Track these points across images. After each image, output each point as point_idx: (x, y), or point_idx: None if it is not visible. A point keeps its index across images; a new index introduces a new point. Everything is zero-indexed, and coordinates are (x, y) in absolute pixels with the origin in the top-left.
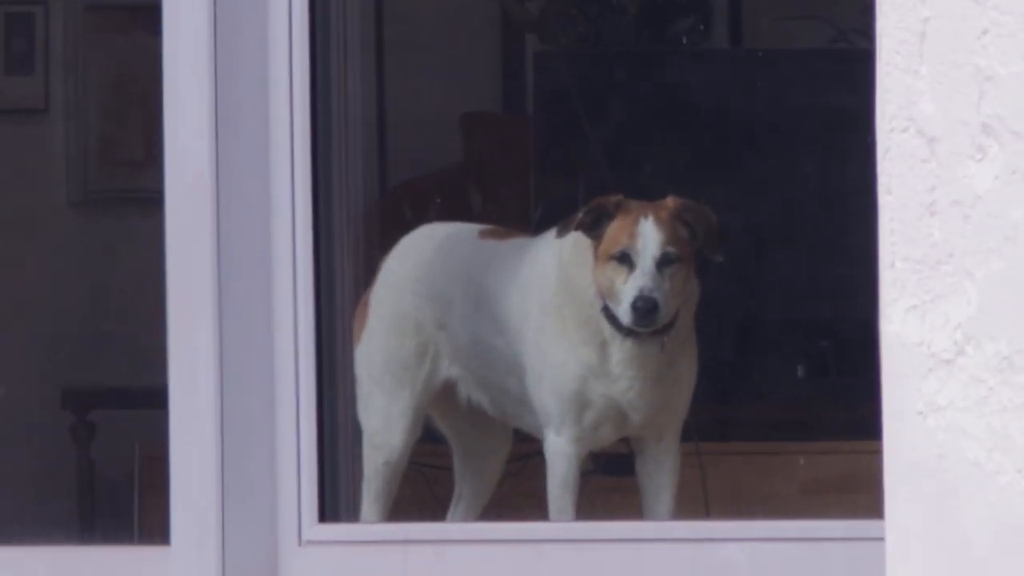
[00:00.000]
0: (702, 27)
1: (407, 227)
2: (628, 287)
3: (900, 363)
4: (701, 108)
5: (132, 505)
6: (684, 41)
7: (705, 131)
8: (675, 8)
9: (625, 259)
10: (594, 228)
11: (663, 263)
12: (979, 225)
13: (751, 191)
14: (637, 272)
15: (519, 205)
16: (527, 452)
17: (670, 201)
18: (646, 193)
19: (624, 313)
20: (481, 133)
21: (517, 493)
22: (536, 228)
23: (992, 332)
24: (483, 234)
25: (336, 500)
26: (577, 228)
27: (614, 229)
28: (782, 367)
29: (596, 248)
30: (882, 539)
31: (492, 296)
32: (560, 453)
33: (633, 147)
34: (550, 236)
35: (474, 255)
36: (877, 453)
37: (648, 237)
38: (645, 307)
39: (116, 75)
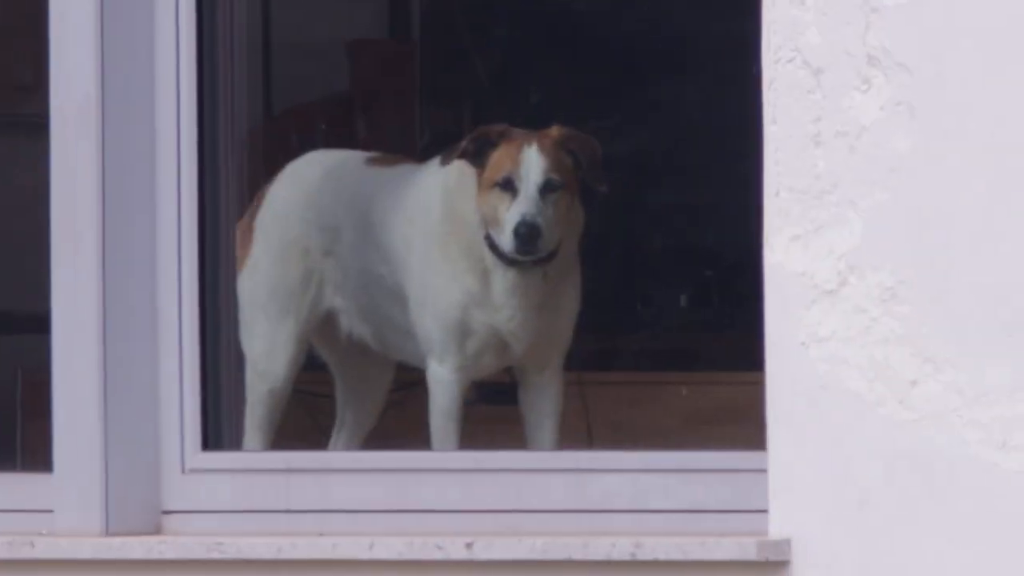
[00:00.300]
0: None
1: (292, 154)
2: (511, 213)
3: (783, 293)
4: (587, 36)
5: (15, 431)
6: None
7: (591, 59)
8: None
9: (508, 185)
10: (478, 156)
11: (546, 190)
12: (864, 156)
13: (637, 119)
14: (520, 198)
15: (406, 133)
16: (411, 381)
17: (554, 130)
18: (532, 122)
19: (507, 240)
20: (368, 59)
21: (401, 422)
22: (422, 156)
23: (875, 263)
24: (370, 161)
25: (219, 428)
26: (461, 156)
27: (498, 157)
28: (665, 296)
29: (480, 176)
30: (764, 470)
31: (378, 224)
32: (442, 382)
33: (520, 74)
34: (435, 164)
35: (361, 182)
36: (760, 384)
37: (531, 164)
38: (528, 233)
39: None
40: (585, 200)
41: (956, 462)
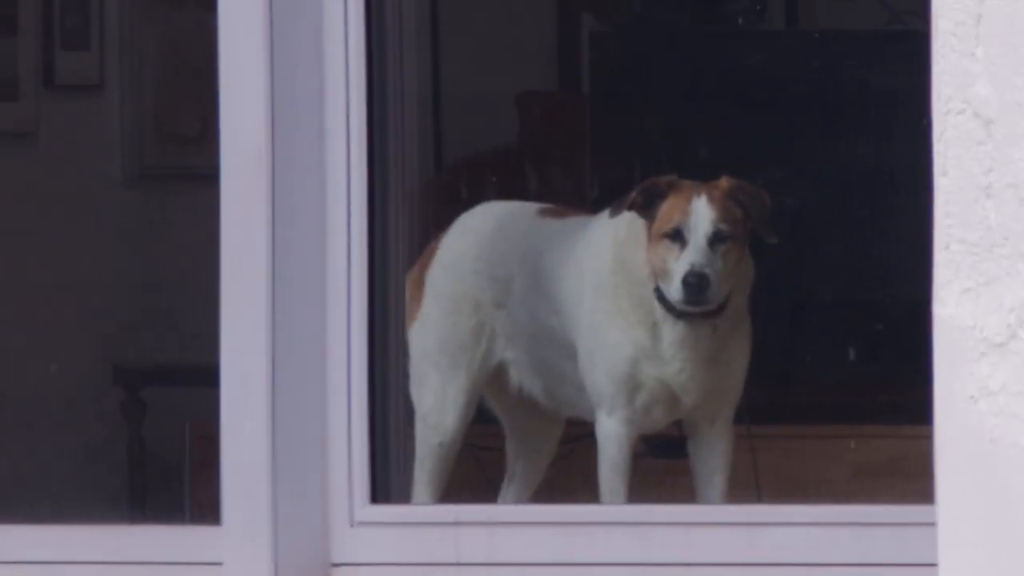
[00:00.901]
0: (759, 7)
1: (462, 206)
2: (679, 263)
3: (952, 346)
4: (756, 89)
5: (183, 484)
6: (740, 21)
7: (761, 112)
8: None
9: (677, 236)
10: (647, 207)
11: (715, 240)
12: None
13: (807, 173)
14: (689, 248)
15: (575, 185)
16: (579, 434)
17: (724, 181)
18: (701, 175)
19: (675, 290)
20: (537, 112)
21: (568, 475)
22: (593, 207)
23: None
24: (542, 212)
25: (388, 481)
26: (630, 208)
27: (667, 208)
28: (834, 349)
29: (649, 228)
30: (933, 525)
31: (549, 276)
32: (612, 435)
33: (689, 128)
34: (604, 216)
35: (533, 234)
36: (928, 438)
37: (700, 214)
38: (697, 283)
39: (171, 51)
40: (755, 253)
41: None
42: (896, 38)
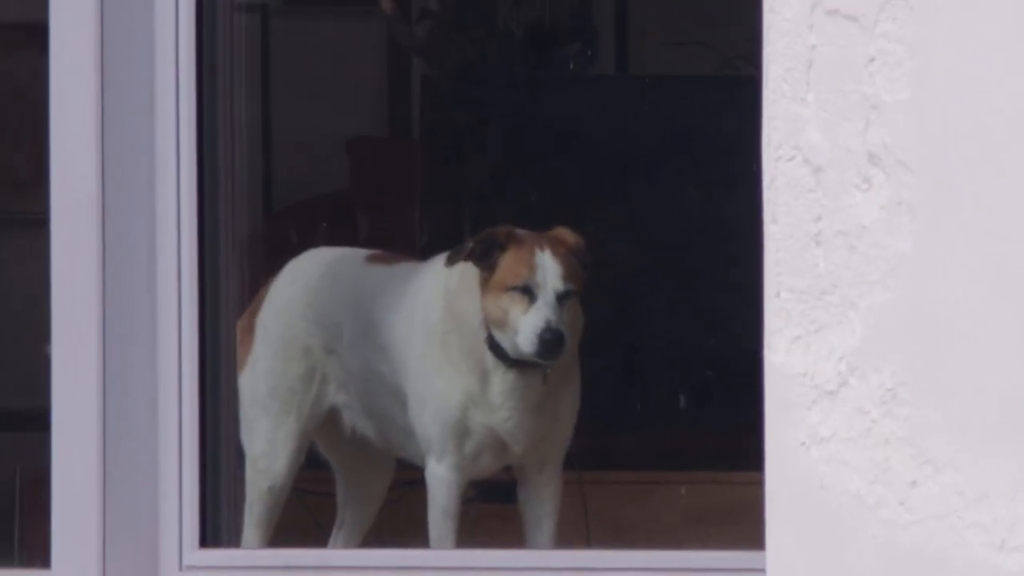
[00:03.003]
0: (589, 52)
1: (292, 252)
2: (531, 318)
3: (784, 393)
4: (587, 134)
5: (13, 528)
6: (571, 66)
7: (591, 158)
8: (562, 33)
9: (525, 291)
10: (484, 258)
11: (563, 297)
12: (864, 256)
13: (637, 219)
14: (540, 304)
15: (405, 230)
16: (409, 479)
17: (564, 235)
18: (533, 219)
19: (528, 344)
20: (367, 157)
21: (398, 521)
22: (422, 253)
23: (876, 364)
24: (371, 259)
25: (217, 525)
26: (467, 259)
27: (510, 260)
28: (665, 396)
29: (487, 279)
30: (763, 570)
31: (379, 322)
32: (441, 480)
33: (520, 173)
34: (437, 263)
35: (362, 280)
36: (760, 484)
37: (548, 271)
38: (553, 338)
39: (3, 94)
40: (585, 299)
41: (957, 564)
42: (728, 84)
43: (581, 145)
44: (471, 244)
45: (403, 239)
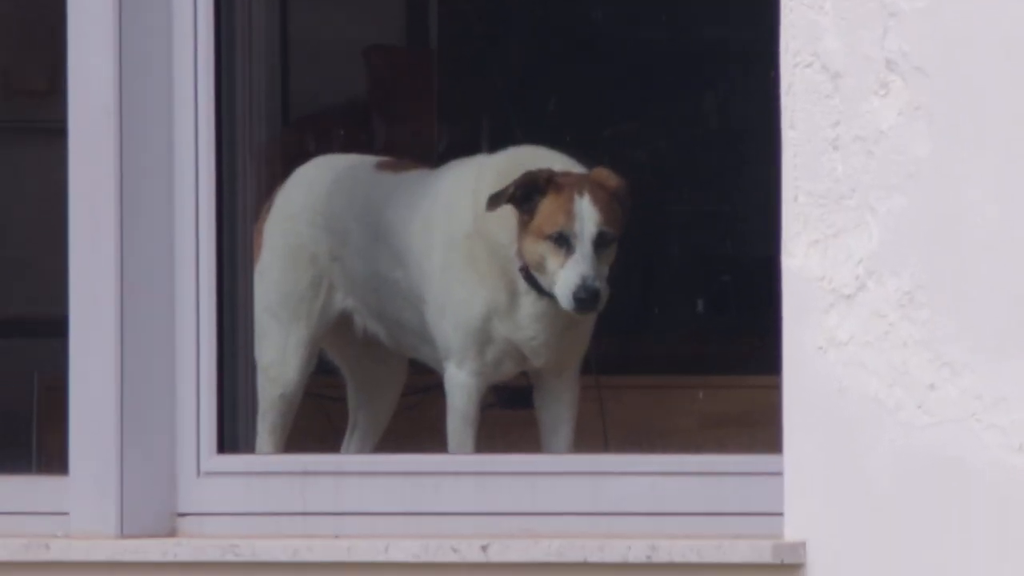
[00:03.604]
0: None
1: (308, 159)
2: (567, 272)
3: (801, 297)
4: (606, 43)
5: (31, 435)
6: None
7: (610, 66)
8: None
9: (562, 240)
10: (525, 202)
11: (600, 244)
12: (882, 160)
13: (654, 126)
14: (576, 256)
15: (423, 139)
16: (426, 385)
17: (604, 176)
18: (551, 129)
19: (564, 299)
20: (384, 66)
21: (416, 426)
22: (439, 162)
23: (894, 267)
24: (380, 166)
25: (235, 432)
26: (508, 202)
27: (548, 207)
28: (682, 301)
29: (526, 222)
30: (780, 474)
31: (391, 229)
32: (460, 386)
33: (537, 81)
34: (457, 171)
35: (372, 186)
36: (777, 388)
37: (586, 218)
38: (589, 296)
39: (18, 4)
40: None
41: (974, 466)
42: None
43: (600, 54)
44: (511, 188)
45: (421, 148)
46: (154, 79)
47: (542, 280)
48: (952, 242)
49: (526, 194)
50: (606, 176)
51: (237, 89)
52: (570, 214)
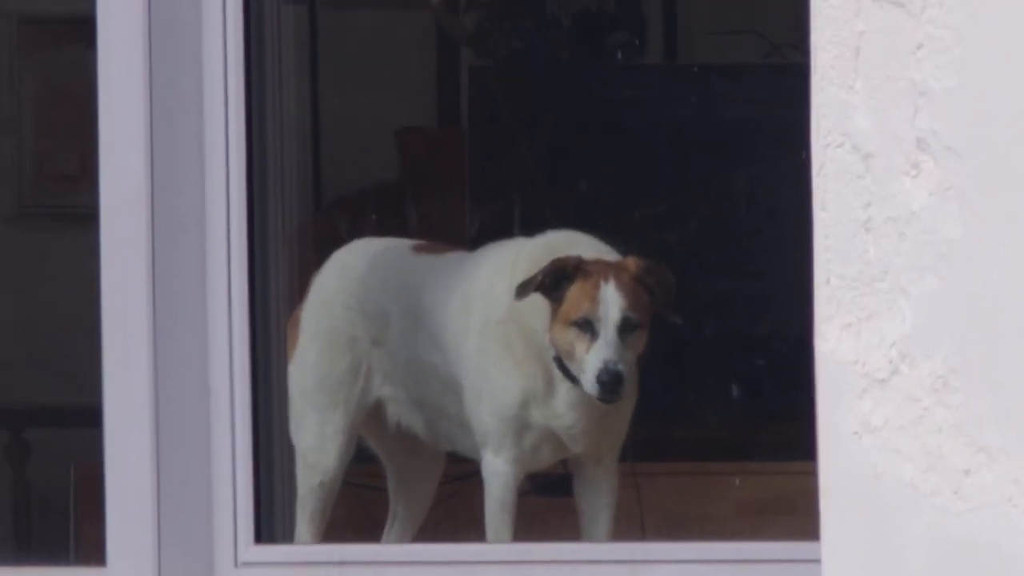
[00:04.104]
0: (637, 42)
1: (341, 244)
2: (592, 357)
3: (835, 382)
4: (636, 124)
5: (68, 525)
6: (619, 56)
7: (640, 147)
8: (610, 22)
9: (587, 326)
10: (553, 290)
11: (625, 329)
12: (914, 242)
13: (687, 208)
14: (600, 342)
15: (455, 220)
16: (463, 472)
17: (631, 263)
18: (582, 210)
19: (588, 384)
20: (416, 148)
21: (454, 515)
22: (472, 244)
23: (927, 351)
24: (417, 249)
25: (272, 521)
26: (537, 290)
27: (575, 293)
28: (717, 386)
29: (555, 309)
30: (818, 561)
31: (429, 312)
32: (498, 474)
33: (568, 163)
34: (494, 254)
35: (409, 270)
36: (813, 473)
37: (610, 303)
38: (611, 380)
39: (50, 89)
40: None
41: (1011, 551)
42: (776, 71)
43: (630, 135)
44: (539, 276)
45: (453, 230)
46: (186, 166)
47: (572, 368)
48: (985, 324)
49: (555, 281)
50: (631, 262)
51: (269, 174)
52: (595, 300)
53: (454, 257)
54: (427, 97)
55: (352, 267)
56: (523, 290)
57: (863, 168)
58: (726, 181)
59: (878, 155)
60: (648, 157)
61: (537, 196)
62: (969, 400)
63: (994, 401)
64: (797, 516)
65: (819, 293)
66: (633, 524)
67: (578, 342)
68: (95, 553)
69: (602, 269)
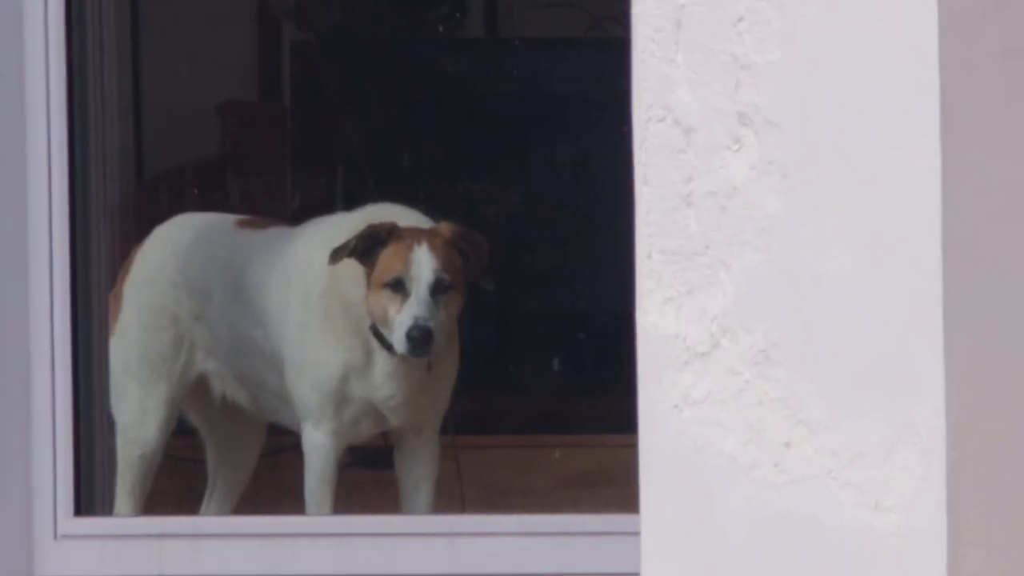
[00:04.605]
0: (458, 15)
1: (163, 218)
2: (402, 316)
3: (656, 355)
4: (458, 97)
5: None
6: (440, 29)
7: (463, 121)
8: None
9: (399, 286)
10: (367, 255)
11: (437, 290)
12: (735, 216)
13: (510, 181)
14: (412, 300)
15: (277, 195)
16: (283, 445)
17: (444, 228)
18: (404, 184)
19: (399, 342)
20: (238, 122)
21: (273, 487)
22: (294, 218)
23: (748, 324)
24: (241, 224)
25: (91, 494)
26: (350, 255)
27: (388, 256)
28: (539, 359)
29: (369, 275)
30: (638, 533)
31: (251, 287)
32: (318, 447)
33: (391, 138)
34: (315, 230)
35: (232, 245)
36: (633, 446)
37: (422, 264)
38: (421, 336)
39: None
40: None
41: (830, 524)
42: (597, 45)
43: (453, 109)
44: (352, 241)
45: (275, 204)
46: (6, 140)
47: (386, 333)
48: (806, 299)
49: (368, 247)
50: (445, 227)
51: (91, 148)
52: (407, 261)
53: (276, 232)
54: (249, 71)
55: (175, 241)
56: (337, 255)
57: (685, 142)
58: (549, 155)
59: (700, 129)
60: (471, 131)
61: (360, 171)
62: (790, 373)
63: (814, 375)
64: (617, 489)
65: (641, 267)
66: (454, 497)
67: (390, 304)
68: None
69: (415, 234)
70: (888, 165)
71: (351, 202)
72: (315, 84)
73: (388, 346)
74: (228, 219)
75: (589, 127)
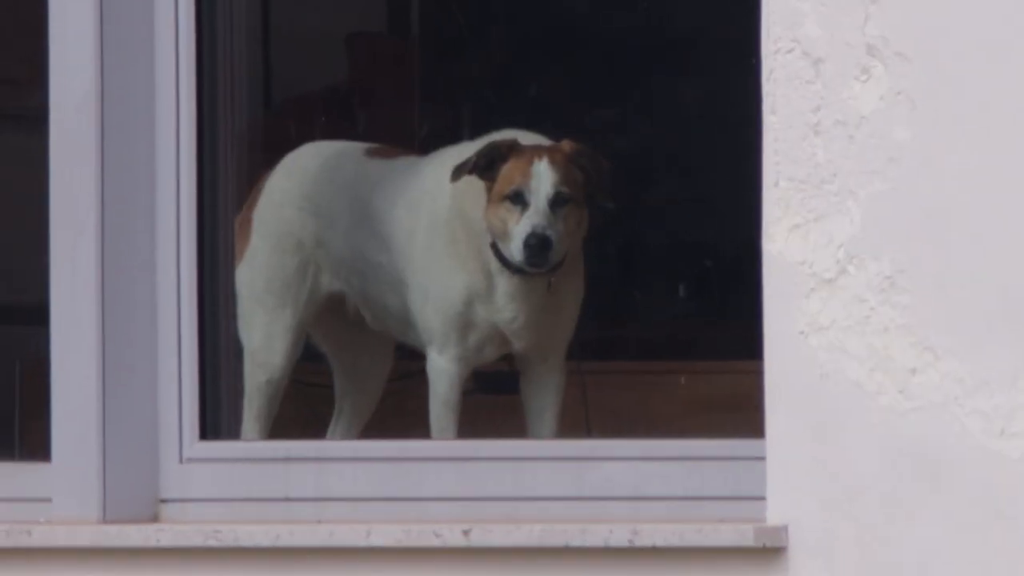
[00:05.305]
0: None
1: (291, 146)
2: (521, 226)
3: (782, 282)
4: (586, 31)
5: (13, 422)
6: None
7: (590, 54)
8: None
9: (518, 198)
10: (487, 170)
11: (556, 203)
12: (863, 145)
13: (635, 114)
14: (531, 210)
15: (404, 126)
16: (409, 370)
17: (565, 145)
18: (531, 117)
19: (516, 251)
20: (366, 53)
21: (399, 412)
22: (421, 148)
23: (875, 252)
24: (370, 152)
25: (217, 418)
26: (471, 172)
27: (508, 170)
28: (665, 287)
29: (489, 190)
30: (763, 458)
31: (378, 214)
32: (442, 372)
33: (518, 69)
34: (443, 158)
35: (360, 173)
36: (759, 372)
37: (541, 177)
38: (538, 244)
39: None
40: (592, 204)
41: (955, 451)
42: None
43: (579, 42)
44: (475, 156)
45: (402, 134)
46: (135, 68)
47: (504, 248)
48: (933, 227)
49: (489, 162)
50: (567, 144)
51: (219, 76)
52: (527, 174)
53: (405, 161)
54: (377, 4)
55: (304, 169)
56: (458, 172)
57: (813, 73)
58: (676, 87)
59: (828, 60)
60: (598, 64)
61: (486, 101)
62: (916, 301)
63: (941, 302)
64: (743, 414)
65: (767, 195)
66: (579, 422)
67: (510, 216)
68: (40, 449)
69: (536, 150)
70: (1017, 96)
71: (478, 133)
72: (442, 16)
73: (508, 265)
74: (357, 148)
75: (717, 59)
